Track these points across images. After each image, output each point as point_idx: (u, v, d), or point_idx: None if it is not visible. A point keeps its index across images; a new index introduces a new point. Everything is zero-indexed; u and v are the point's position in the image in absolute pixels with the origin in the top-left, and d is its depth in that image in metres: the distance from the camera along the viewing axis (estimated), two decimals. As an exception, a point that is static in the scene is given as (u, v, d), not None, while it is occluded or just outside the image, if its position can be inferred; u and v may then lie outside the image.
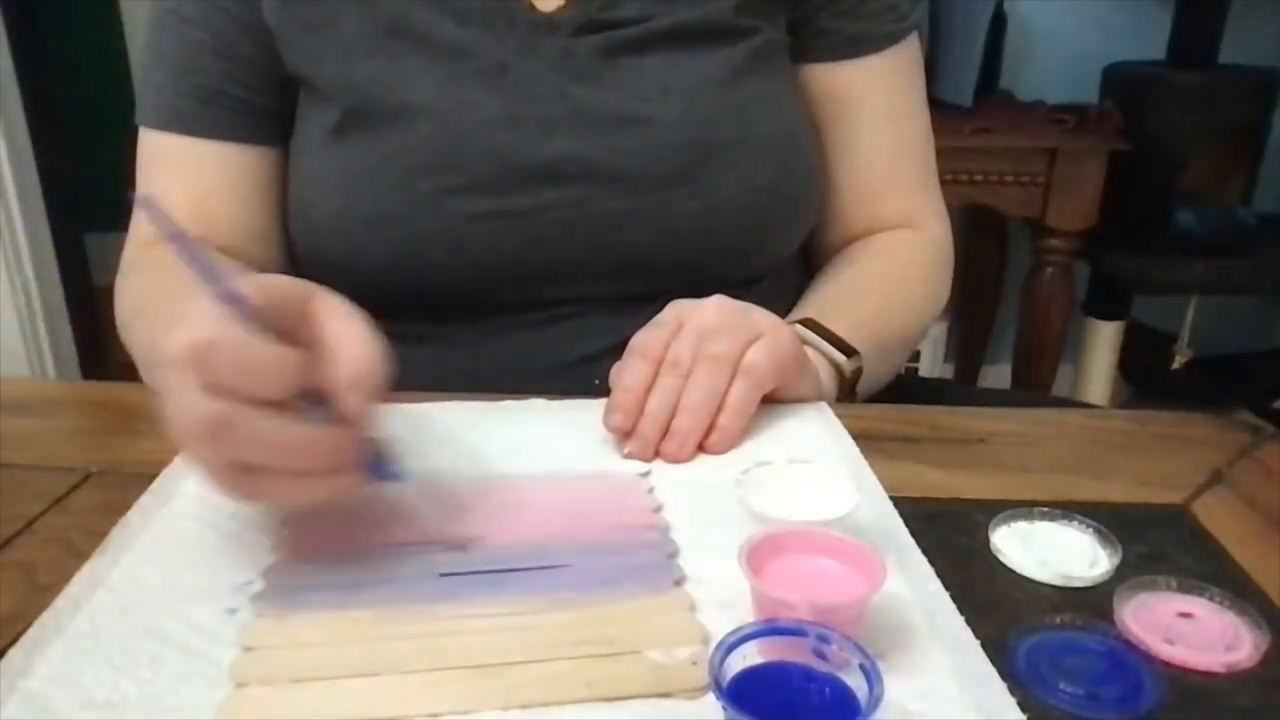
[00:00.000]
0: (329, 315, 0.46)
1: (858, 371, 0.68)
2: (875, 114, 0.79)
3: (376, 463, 0.47)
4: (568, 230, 0.69)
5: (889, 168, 0.81)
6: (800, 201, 0.77)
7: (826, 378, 0.68)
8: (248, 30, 0.71)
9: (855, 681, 0.36)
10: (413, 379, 0.72)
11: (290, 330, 0.44)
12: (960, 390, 1.40)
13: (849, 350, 0.68)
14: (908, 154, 0.81)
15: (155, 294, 0.68)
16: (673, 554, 0.48)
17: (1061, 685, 0.40)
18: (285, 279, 0.48)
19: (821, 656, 0.37)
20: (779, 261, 0.78)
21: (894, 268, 0.79)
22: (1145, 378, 2.17)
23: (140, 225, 0.76)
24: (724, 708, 0.36)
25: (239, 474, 0.43)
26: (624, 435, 0.58)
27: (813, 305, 0.74)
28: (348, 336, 0.45)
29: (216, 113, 0.72)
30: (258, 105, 0.73)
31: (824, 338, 0.68)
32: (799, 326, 0.69)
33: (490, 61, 0.69)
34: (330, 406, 0.44)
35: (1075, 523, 0.51)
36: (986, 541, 0.50)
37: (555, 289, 0.71)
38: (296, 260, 0.77)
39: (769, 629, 0.38)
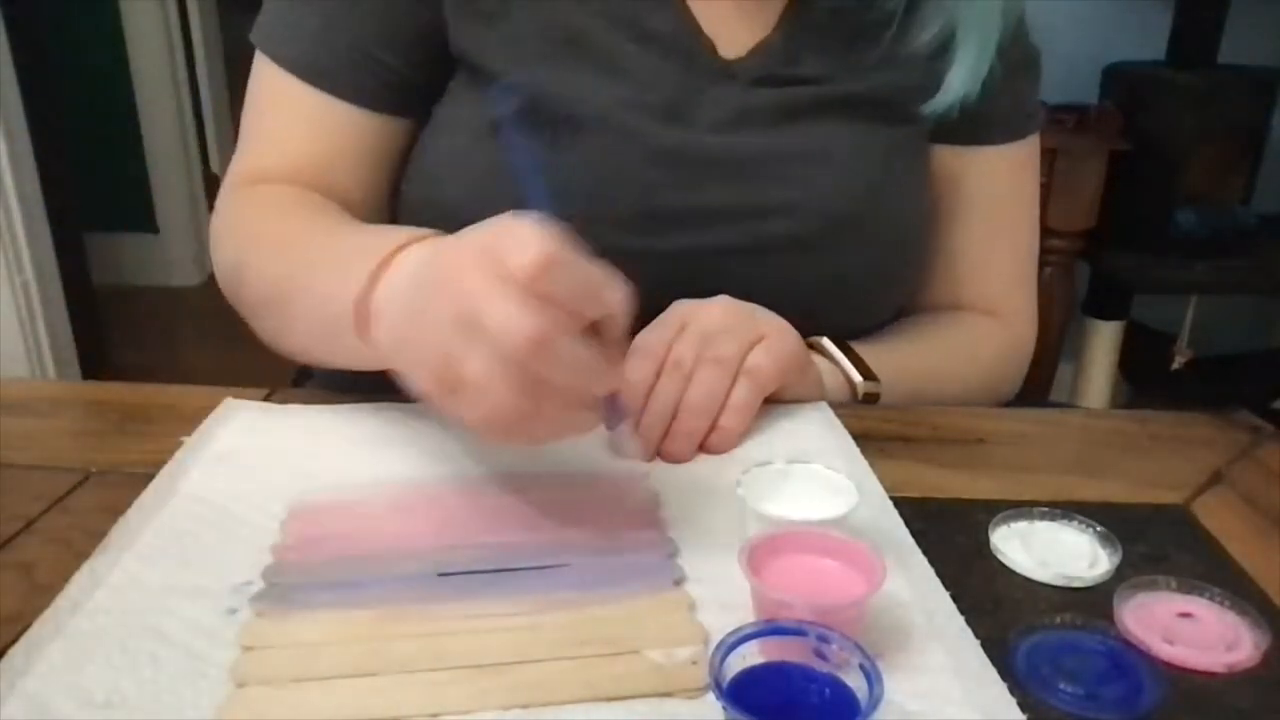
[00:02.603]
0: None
1: (872, 396, 0.68)
2: (985, 205, 0.79)
3: (610, 402, 0.48)
4: (693, 276, 0.66)
5: (985, 260, 0.81)
6: (908, 286, 0.78)
7: (831, 382, 0.68)
8: (418, 1, 0.68)
9: (855, 681, 0.36)
10: None
11: None
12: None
13: (868, 373, 0.68)
14: (1009, 251, 0.81)
15: (281, 230, 0.65)
16: (673, 554, 0.48)
17: (1061, 685, 0.40)
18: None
19: (821, 656, 0.37)
20: (864, 330, 0.77)
21: (964, 343, 0.79)
22: (1145, 378, 2.17)
23: (240, 164, 0.72)
24: (724, 708, 0.36)
25: (525, 399, 0.42)
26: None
27: (867, 342, 0.73)
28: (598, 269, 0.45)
29: (362, 78, 0.69)
30: (405, 76, 0.70)
31: (847, 356, 0.68)
32: (824, 340, 0.69)
33: (663, 95, 0.68)
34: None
35: (1075, 523, 0.51)
36: (986, 541, 0.50)
37: (639, 325, 0.67)
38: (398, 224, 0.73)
39: (769, 629, 0.38)
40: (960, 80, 0.70)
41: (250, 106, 0.72)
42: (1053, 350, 1.97)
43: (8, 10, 2.02)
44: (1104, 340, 2.07)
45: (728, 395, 0.58)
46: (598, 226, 0.66)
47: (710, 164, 0.68)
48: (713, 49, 0.69)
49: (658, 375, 0.58)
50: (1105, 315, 2.06)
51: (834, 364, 0.68)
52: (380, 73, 0.69)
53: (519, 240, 0.42)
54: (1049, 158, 1.80)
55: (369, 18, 0.68)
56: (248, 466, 0.56)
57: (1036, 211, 0.82)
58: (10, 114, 2.03)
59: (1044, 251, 1.96)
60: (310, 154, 0.70)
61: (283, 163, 0.71)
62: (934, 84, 0.71)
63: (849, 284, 0.72)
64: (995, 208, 0.80)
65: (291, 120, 0.71)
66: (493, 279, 0.41)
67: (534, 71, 0.67)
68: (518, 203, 0.66)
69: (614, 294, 0.45)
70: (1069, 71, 2.06)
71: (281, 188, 0.69)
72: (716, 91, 0.69)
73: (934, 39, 0.70)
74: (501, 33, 0.68)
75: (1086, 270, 2.05)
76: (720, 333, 0.59)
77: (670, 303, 0.63)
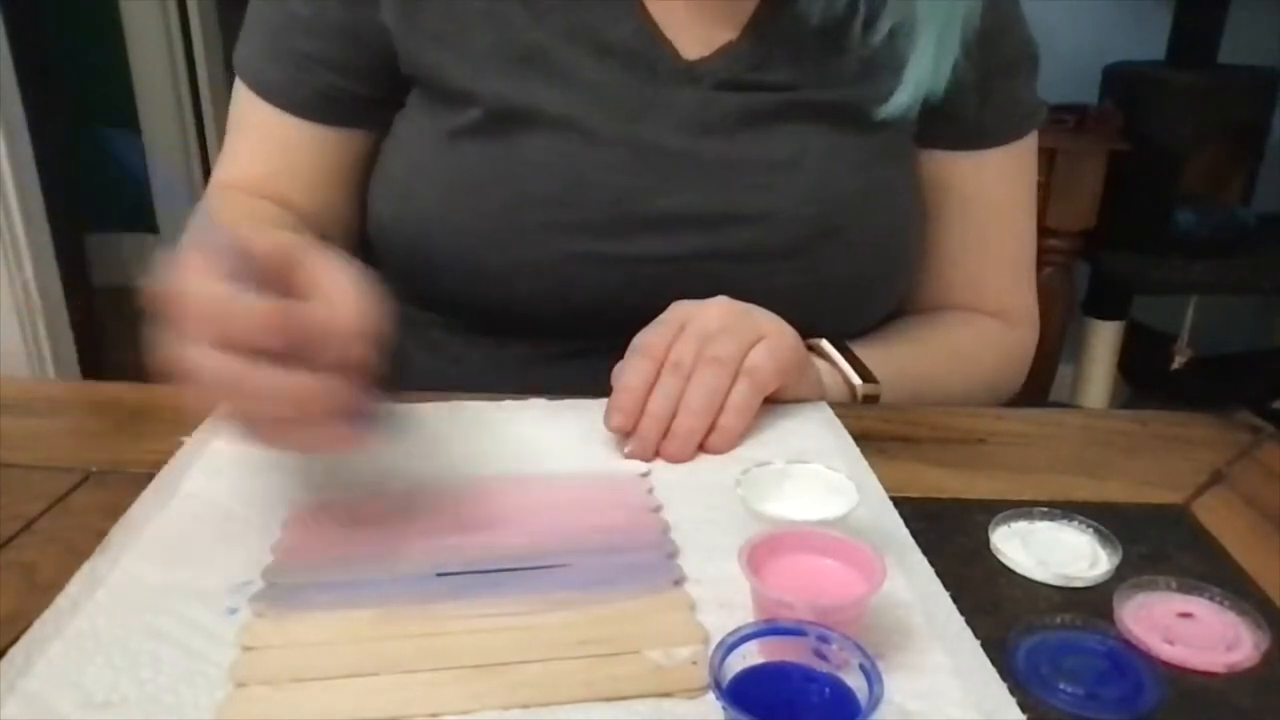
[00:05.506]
0: (322, 268, 0.46)
1: (872, 398, 0.68)
2: (983, 208, 0.78)
3: (378, 414, 0.48)
4: (663, 282, 0.66)
5: (984, 261, 0.80)
6: (896, 291, 0.77)
7: (830, 383, 0.68)
8: (355, 19, 0.69)
9: (855, 681, 0.36)
10: (444, 379, 0.71)
11: (287, 285, 0.45)
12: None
13: (867, 375, 0.68)
14: (1008, 252, 0.81)
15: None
16: (673, 554, 0.48)
17: (1061, 685, 0.40)
18: (283, 234, 0.48)
19: (821, 656, 0.37)
20: (852, 334, 0.76)
21: (966, 344, 0.78)
22: (1145, 378, 2.17)
23: (215, 176, 0.75)
24: (724, 708, 0.36)
25: (254, 423, 0.46)
26: (624, 435, 0.58)
27: (868, 341, 0.72)
28: (341, 288, 0.46)
29: (306, 93, 0.71)
30: (352, 92, 0.71)
31: (845, 358, 0.68)
32: (823, 342, 0.69)
33: (625, 104, 0.68)
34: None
35: (1075, 523, 0.51)
36: (986, 541, 0.50)
37: (620, 330, 0.64)
38: (369, 238, 0.75)
39: (769, 629, 0.38)
40: (917, 78, 0.68)
41: (228, 123, 0.76)
42: (1053, 350, 1.96)
43: (8, 10, 2.02)
44: (1104, 340, 2.07)
45: (727, 395, 0.58)
46: (569, 232, 0.67)
47: (675, 168, 0.68)
48: (675, 53, 0.69)
49: (657, 375, 0.58)
50: (1105, 315, 2.06)
51: (833, 366, 0.68)
52: (325, 89, 0.71)
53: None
54: (1049, 157, 1.80)
55: (309, 37, 0.70)
56: (248, 466, 0.56)
57: (1034, 209, 0.81)
58: (10, 114, 2.03)
59: (1044, 251, 1.97)
60: (265, 167, 0.73)
61: (243, 176, 0.73)
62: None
63: (832, 290, 0.71)
64: (994, 210, 0.79)
65: (250, 135, 0.74)
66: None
67: (494, 85, 0.67)
68: (483, 212, 0.67)
69: (270, 317, 0.44)
70: (1069, 71, 2.06)
71: (237, 197, 0.72)
72: (678, 94, 0.69)
73: (891, 36, 0.68)
74: (456, 51, 0.68)
75: (1086, 270, 2.05)
76: (720, 333, 0.59)
77: (648, 307, 0.63)
